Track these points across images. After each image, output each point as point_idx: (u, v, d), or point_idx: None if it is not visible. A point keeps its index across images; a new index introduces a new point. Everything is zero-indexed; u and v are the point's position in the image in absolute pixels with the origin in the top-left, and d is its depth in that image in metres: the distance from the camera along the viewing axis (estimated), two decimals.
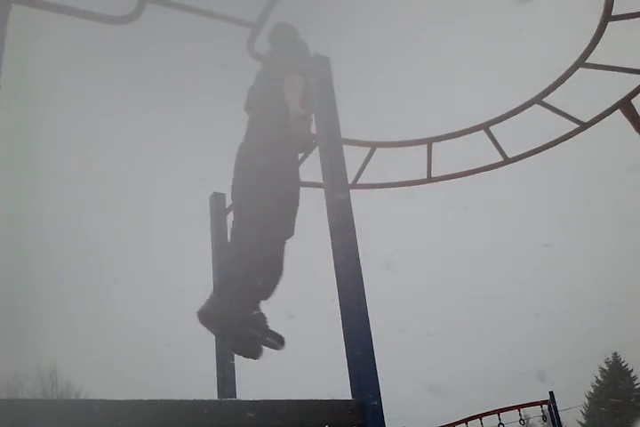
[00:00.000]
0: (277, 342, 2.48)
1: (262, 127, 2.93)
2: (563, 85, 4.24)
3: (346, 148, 2.27)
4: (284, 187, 2.78)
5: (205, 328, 2.53)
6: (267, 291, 2.60)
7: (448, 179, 4.72)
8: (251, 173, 2.82)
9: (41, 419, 1.33)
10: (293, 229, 2.73)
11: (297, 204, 2.79)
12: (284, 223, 2.70)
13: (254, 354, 2.52)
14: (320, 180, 2.16)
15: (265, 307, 2.57)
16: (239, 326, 2.50)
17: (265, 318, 2.55)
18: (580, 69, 4.14)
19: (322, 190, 2.12)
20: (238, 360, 2.90)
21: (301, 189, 3.14)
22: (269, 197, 2.71)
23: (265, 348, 2.50)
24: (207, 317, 2.52)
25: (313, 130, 2.86)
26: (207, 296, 2.59)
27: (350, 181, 4.31)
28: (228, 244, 2.82)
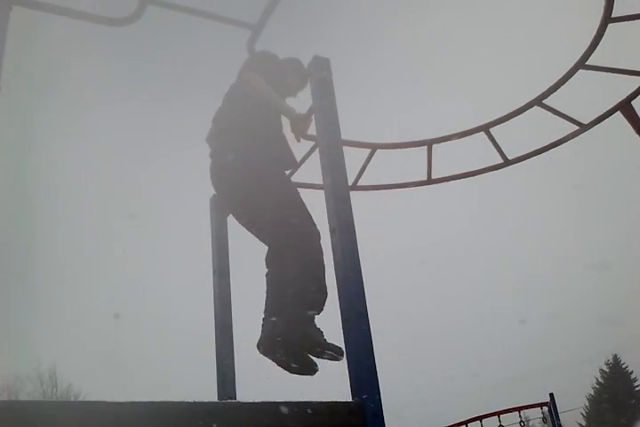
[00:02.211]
0: (337, 353, 2.52)
1: (245, 150, 2.85)
2: (563, 87, 4.24)
3: (346, 149, 2.27)
4: (290, 201, 2.79)
5: (268, 358, 2.61)
6: (320, 304, 2.63)
7: (448, 180, 4.72)
8: (254, 201, 2.80)
9: (41, 420, 1.33)
10: (317, 228, 2.74)
11: (305, 206, 2.81)
12: (312, 232, 2.71)
13: (312, 371, 2.59)
14: (320, 181, 2.16)
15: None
16: (298, 349, 2.55)
17: (322, 332, 2.59)
18: (581, 71, 4.15)
19: (322, 192, 2.12)
20: (238, 361, 2.90)
21: (301, 190, 3.14)
22: (287, 218, 2.72)
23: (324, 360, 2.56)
24: (268, 347, 2.59)
25: (312, 131, 2.85)
26: (262, 328, 2.66)
27: (350, 183, 4.31)
28: (270, 272, 2.81)
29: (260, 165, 2.80)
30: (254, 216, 2.85)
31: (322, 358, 2.54)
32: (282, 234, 2.72)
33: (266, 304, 2.72)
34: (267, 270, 2.81)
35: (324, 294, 2.62)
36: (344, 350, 2.47)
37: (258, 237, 2.91)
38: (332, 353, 2.51)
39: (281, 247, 2.73)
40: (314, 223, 2.74)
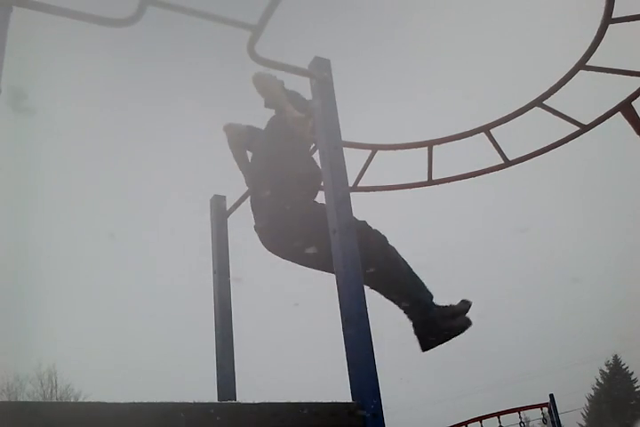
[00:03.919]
0: (467, 306, 2.97)
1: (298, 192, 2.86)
2: (563, 88, 4.24)
3: (346, 150, 2.27)
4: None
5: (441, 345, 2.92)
6: (427, 290, 2.94)
7: (449, 181, 4.72)
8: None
9: (41, 421, 1.33)
10: (381, 233, 2.90)
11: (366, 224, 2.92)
12: (382, 240, 2.88)
13: (465, 325, 2.96)
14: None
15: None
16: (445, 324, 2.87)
17: (445, 306, 2.93)
18: (581, 72, 4.15)
19: (322, 193, 2.12)
20: (238, 361, 2.90)
21: None
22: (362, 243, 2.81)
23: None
24: (430, 343, 2.88)
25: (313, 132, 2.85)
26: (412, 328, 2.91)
27: (351, 184, 4.31)
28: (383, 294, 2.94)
29: (307, 209, 2.82)
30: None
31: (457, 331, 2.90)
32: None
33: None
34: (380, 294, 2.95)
35: (422, 281, 2.95)
36: (469, 302, 2.95)
37: (325, 268, 2.85)
38: (464, 310, 2.94)
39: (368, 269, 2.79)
40: (375, 231, 2.86)
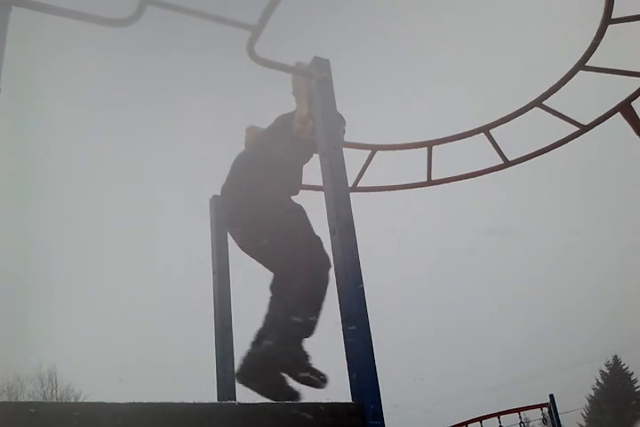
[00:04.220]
0: (322, 380, 2.51)
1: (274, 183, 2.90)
2: (563, 88, 4.24)
3: (346, 150, 2.27)
4: (305, 223, 2.83)
5: (247, 388, 2.54)
6: (312, 329, 2.64)
7: (448, 182, 4.72)
8: (277, 229, 2.82)
9: (41, 422, 1.33)
10: (329, 259, 2.72)
11: (317, 237, 2.82)
12: (323, 256, 2.73)
13: (295, 397, 2.50)
14: (320, 182, 2.16)
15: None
16: (279, 375, 2.52)
17: (308, 356, 2.58)
18: (581, 72, 4.15)
19: (322, 193, 2.12)
20: (238, 361, 2.90)
21: (302, 191, 3.15)
22: (300, 238, 2.77)
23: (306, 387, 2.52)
24: (248, 376, 2.55)
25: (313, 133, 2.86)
26: (244, 354, 2.63)
27: (350, 184, 4.31)
28: (273, 298, 2.83)
29: (277, 199, 2.86)
30: (266, 244, 2.85)
31: (305, 383, 2.50)
32: (293, 263, 2.76)
33: (261, 329, 2.72)
34: (270, 295, 2.85)
35: (317, 320, 2.63)
36: (328, 378, 2.51)
37: (265, 262, 2.94)
38: (317, 379, 2.50)
39: (289, 275, 2.76)
40: (326, 253, 2.73)
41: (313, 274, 2.70)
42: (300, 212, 2.88)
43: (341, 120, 3.25)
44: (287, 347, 2.53)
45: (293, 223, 2.82)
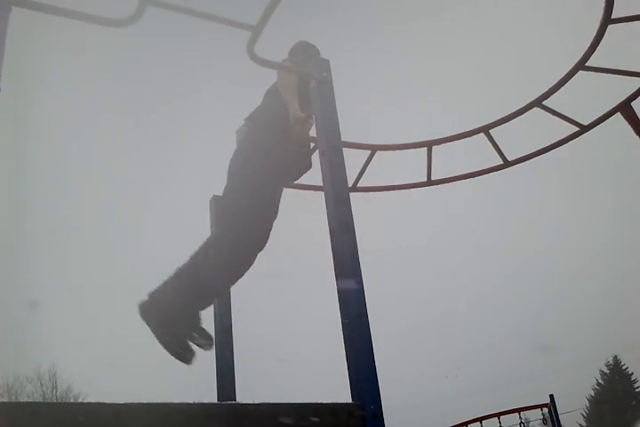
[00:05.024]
0: (207, 341, 2.55)
1: (258, 139, 2.98)
2: (563, 88, 4.24)
3: (346, 150, 2.27)
4: (264, 200, 2.85)
5: (144, 322, 2.55)
6: (212, 297, 2.69)
7: (448, 182, 4.72)
8: (235, 184, 2.92)
9: (40, 422, 1.33)
10: (265, 243, 2.78)
11: (274, 218, 2.84)
12: (260, 235, 2.76)
13: (185, 357, 2.53)
14: (320, 182, 2.16)
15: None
16: (175, 325, 2.54)
17: (200, 319, 2.60)
18: (580, 72, 4.15)
19: (322, 193, 2.12)
20: (238, 362, 2.90)
21: (302, 191, 3.15)
22: (250, 209, 2.78)
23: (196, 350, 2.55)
24: (147, 311, 2.55)
25: (312, 133, 2.86)
26: (153, 288, 2.62)
27: (350, 184, 4.31)
28: (200, 245, 2.80)
29: (259, 175, 2.87)
30: (233, 196, 2.91)
31: (193, 342, 2.53)
32: (230, 229, 2.78)
33: (176, 270, 2.69)
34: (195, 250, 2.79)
35: (224, 290, 2.73)
36: (213, 340, 2.57)
37: (219, 213, 3.01)
38: (204, 340, 2.54)
39: (228, 231, 2.79)
40: (266, 234, 2.77)
41: (238, 242, 2.70)
42: (274, 197, 2.90)
43: (316, 51, 3.35)
44: (184, 305, 2.57)
45: (259, 199, 2.83)
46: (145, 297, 2.58)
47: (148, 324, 2.54)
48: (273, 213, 2.84)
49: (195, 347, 2.55)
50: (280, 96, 2.99)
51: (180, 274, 2.64)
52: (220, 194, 3.23)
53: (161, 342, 2.55)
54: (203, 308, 2.65)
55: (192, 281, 2.60)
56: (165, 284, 2.63)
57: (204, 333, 2.56)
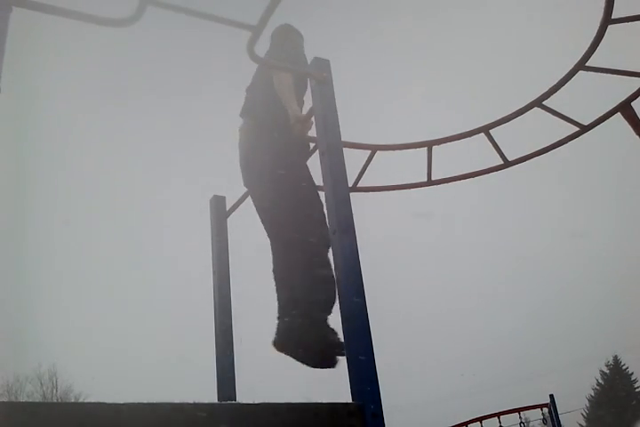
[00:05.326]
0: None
1: (272, 134, 2.94)
2: (563, 88, 4.24)
3: (346, 150, 2.27)
4: (311, 195, 2.82)
5: (285, 355, 2.62)
6: (330, 303, 2.63)
7: (448, 182, 4.72)
8: (277, 189, 2.84)
9: (40, 422, 1.33)
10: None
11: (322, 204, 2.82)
12: (323, 230, 2.68)
13: (332, 364, 2.56)
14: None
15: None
16: (315, 344, 2.57)
17: (336, 332, 2.60)
18: (581, 72, 4.15)
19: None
20: (238, 362, 2.90)
21: None
22: (306, 210, 2.76)
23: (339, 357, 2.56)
24: (284, 345, 2.62)
25: (313, 133, 2.86)
26: (276, 325, 2.68)
27: (350, 184, 4.31)
28: (277, 267, 2.80)
29: (285, 159, 2.86)
30: (271, 209, 2.88)
31: (341, 356, 2.53)
32: (295, 233, 2.73)
33: (278, 303, 2.73)
34: (273, 267, 2.81)
35: (334, 296, 2.59)
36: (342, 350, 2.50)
37: (268, 229, 2.92)
38: (342, 347, 2.49)
39: (291, 247, 2.74)
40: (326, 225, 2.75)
41: (314, 248, 2.68)
42: (307, 175, 2.87)
43: (299, 36, 3.33)
44: (315, 329, 2.58)
45: (297, 186, 2.82)
46: (276, 335, 2.65)
47: (293, 357, 2.61)
48: (321, 202, 2.81)
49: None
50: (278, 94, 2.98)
51: (294, 299, 2.65)
52: (220, 194, 3.23)
53: (312, 365, 2.61)
54: (329, 316, 2.65)
55: (309, 300, 2.61)
56: (284, 314, 2.66)
57: (339, 340, 2.55)
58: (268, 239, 2.90)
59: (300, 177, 2.84)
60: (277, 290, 2.77)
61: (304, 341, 2.56)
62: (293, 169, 2.86)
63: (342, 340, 2.50)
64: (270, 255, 2.87)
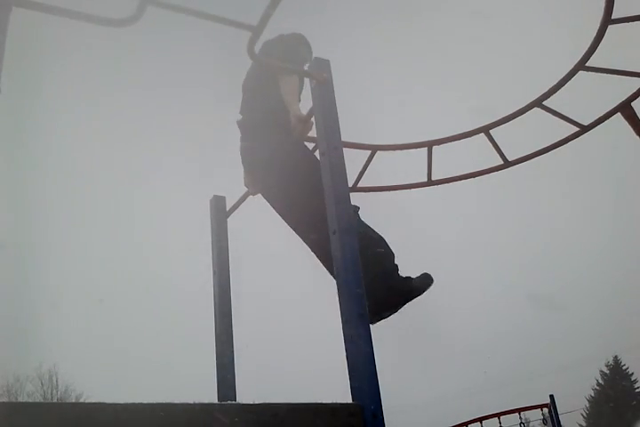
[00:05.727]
0: (428, 283, 2.83)
1: (275, 131, 2.96)
2: (563, 88, 4.24)
3: (346, 150, 2.27)
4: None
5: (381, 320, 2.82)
6: (389, 256, 2.88)
7: (448, 182, 4.72)
8: (293, 182, 2.90)
9: (41, 422, 1.33)
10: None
11: None
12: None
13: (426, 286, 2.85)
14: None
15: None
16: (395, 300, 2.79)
17: (404, 278, 2.85)
18: (581, 72, 4.15)
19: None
20: (238, 362, 2.90)
21: None
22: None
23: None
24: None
25: (313, 133, 2.86)
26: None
27: (350, 185, 4.31)
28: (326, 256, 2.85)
29: (290, 156, 2.91)
30: (291, 209, 2.96)
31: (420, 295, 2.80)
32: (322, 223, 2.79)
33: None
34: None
35: (388, 250, 2.88)
36: (432, 276, 2.85)
37: (295, 227, 2.99)
38: (425, 283, 2.82)
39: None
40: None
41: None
42: (306, 157, 2.91)
43: (306, 45, 3.32)
44: (384, 285, 2.75)
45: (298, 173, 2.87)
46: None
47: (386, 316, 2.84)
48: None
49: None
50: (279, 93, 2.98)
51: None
52: (220, 194, 3.23)
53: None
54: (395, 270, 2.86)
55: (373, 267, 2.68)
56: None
57: (420, 283, 2.84)
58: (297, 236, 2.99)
59: (308, 170, 2.85)
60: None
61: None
62: (301, 164, 2.89)
63: (412, 281, 2.81)
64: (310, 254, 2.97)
